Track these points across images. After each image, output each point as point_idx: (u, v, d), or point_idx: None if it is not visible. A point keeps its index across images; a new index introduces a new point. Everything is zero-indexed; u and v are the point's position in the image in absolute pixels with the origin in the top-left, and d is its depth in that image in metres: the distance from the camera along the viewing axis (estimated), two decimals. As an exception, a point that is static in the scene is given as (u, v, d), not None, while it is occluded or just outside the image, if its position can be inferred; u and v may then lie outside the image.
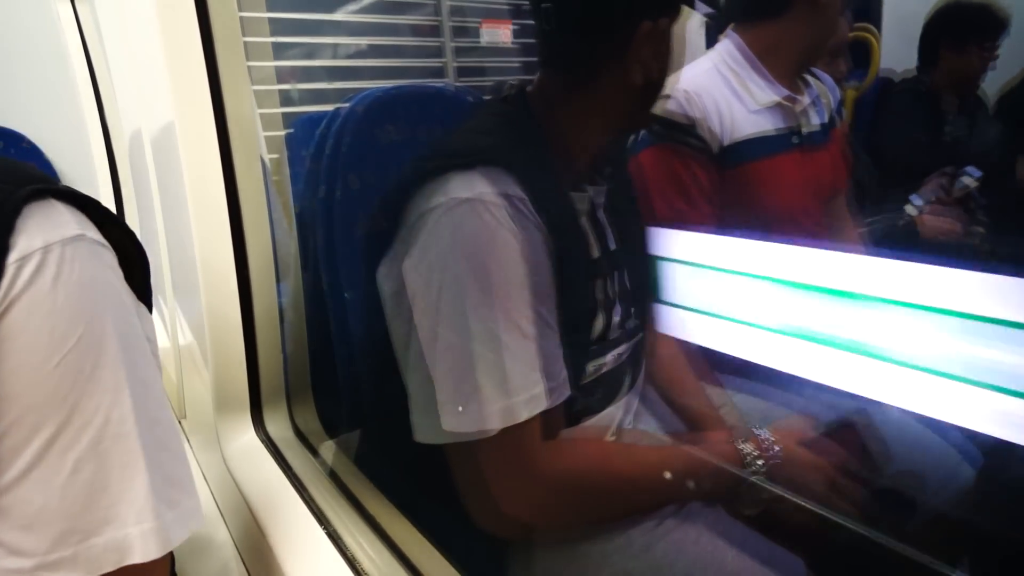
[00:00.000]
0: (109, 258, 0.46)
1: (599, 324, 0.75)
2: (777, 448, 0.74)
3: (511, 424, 0.63)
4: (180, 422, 1.06)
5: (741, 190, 1.06)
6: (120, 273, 0.47)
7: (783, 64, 1.08)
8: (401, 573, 0.63)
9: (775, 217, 1.09)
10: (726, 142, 1.04)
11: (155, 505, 0.43)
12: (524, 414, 0.63)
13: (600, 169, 0.80)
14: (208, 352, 0.82)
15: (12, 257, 0.39)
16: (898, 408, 1.01)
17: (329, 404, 0.92)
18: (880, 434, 0.98)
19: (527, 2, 0.75)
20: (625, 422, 0.84)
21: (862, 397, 1.01)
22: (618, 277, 0.79)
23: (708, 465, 0.74)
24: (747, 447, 0.74)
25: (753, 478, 0.73)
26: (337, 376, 0.91)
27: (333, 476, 0.79)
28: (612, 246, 0.78)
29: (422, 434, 0.67)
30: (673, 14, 0.71)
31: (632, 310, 0.81)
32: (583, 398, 0.76)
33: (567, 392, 0.69)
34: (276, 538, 0.68)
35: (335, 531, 0.67)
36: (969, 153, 1.65)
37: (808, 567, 0.71)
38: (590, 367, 0.75)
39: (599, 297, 0.75)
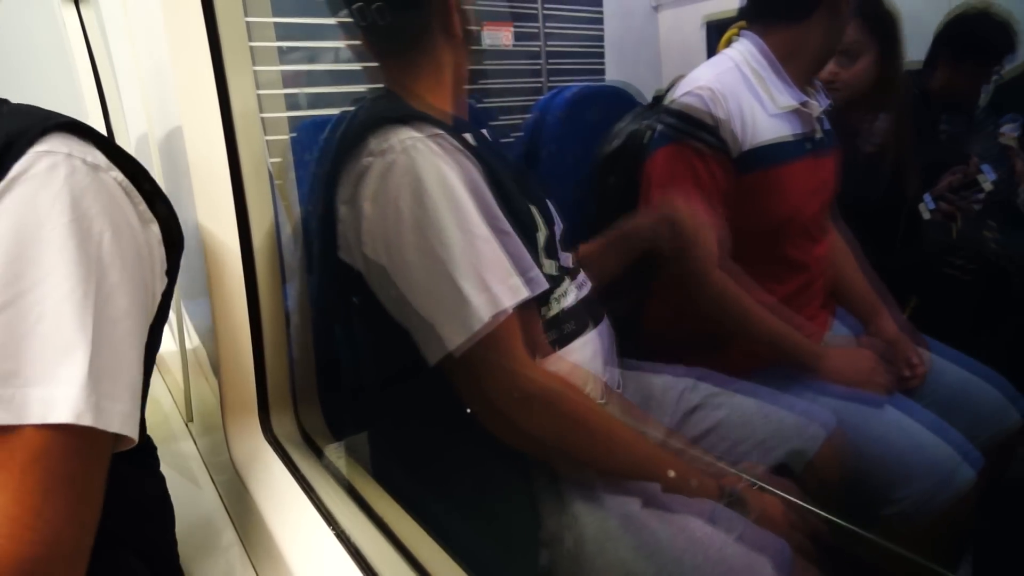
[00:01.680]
0: (111, 184, 0.53)
1: (542, 236, 0.83)
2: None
3: (499, 311, 0.70)
4: (187, 425, 1.07)
5: (756, 196, 1.03)
6: (124, 201, 0.54)
7: (801, 68, 1.06)
8: (409, 572, 0.64)
9: (786, 224, 1.07)
10: (746, 147, 1.02)
11: (88, 381, 0.46)
12: (507, 300, 0.70)
13: (467, 122, 0.88)
14: (217, 356, 0.83)
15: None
16: (897, 410, 1.02)
17: (335, 407, 0.93)
18: (878, 436, 0.98)
19: (350, 16, 0.84)
20: (606, 358, 0.88)
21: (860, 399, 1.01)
22: (545, 203, 0.87)
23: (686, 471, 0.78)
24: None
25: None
26: (342, 379, 0.92)
27: (340, 477, 0.80)
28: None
29: (433, 357, 0.72)
30: None
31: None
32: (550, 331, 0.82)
33: (544, 284, 0.77)
34: (284, 539, 0.69)
35: (343, 531, 0.67)
36: (965, 150, 1.65)
37: (794, 552, 0.72)
38: (553, 301, 0.82)
39: (535, 211, 0.83)
